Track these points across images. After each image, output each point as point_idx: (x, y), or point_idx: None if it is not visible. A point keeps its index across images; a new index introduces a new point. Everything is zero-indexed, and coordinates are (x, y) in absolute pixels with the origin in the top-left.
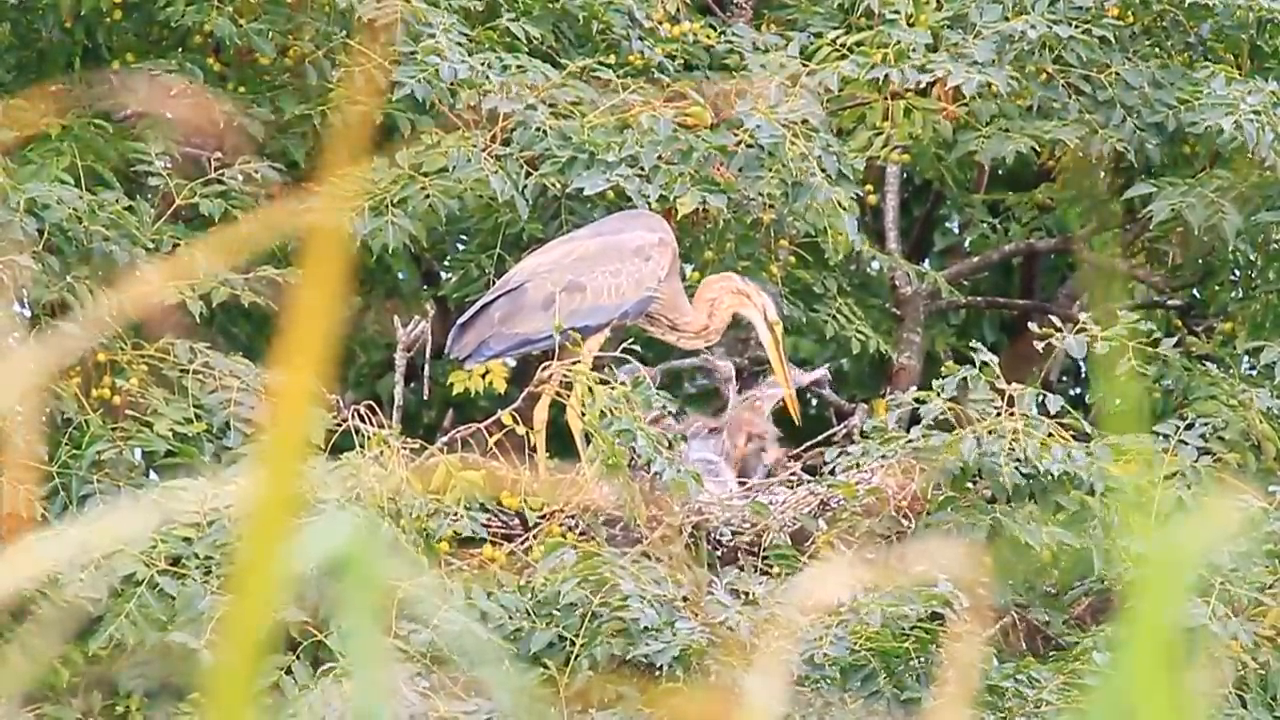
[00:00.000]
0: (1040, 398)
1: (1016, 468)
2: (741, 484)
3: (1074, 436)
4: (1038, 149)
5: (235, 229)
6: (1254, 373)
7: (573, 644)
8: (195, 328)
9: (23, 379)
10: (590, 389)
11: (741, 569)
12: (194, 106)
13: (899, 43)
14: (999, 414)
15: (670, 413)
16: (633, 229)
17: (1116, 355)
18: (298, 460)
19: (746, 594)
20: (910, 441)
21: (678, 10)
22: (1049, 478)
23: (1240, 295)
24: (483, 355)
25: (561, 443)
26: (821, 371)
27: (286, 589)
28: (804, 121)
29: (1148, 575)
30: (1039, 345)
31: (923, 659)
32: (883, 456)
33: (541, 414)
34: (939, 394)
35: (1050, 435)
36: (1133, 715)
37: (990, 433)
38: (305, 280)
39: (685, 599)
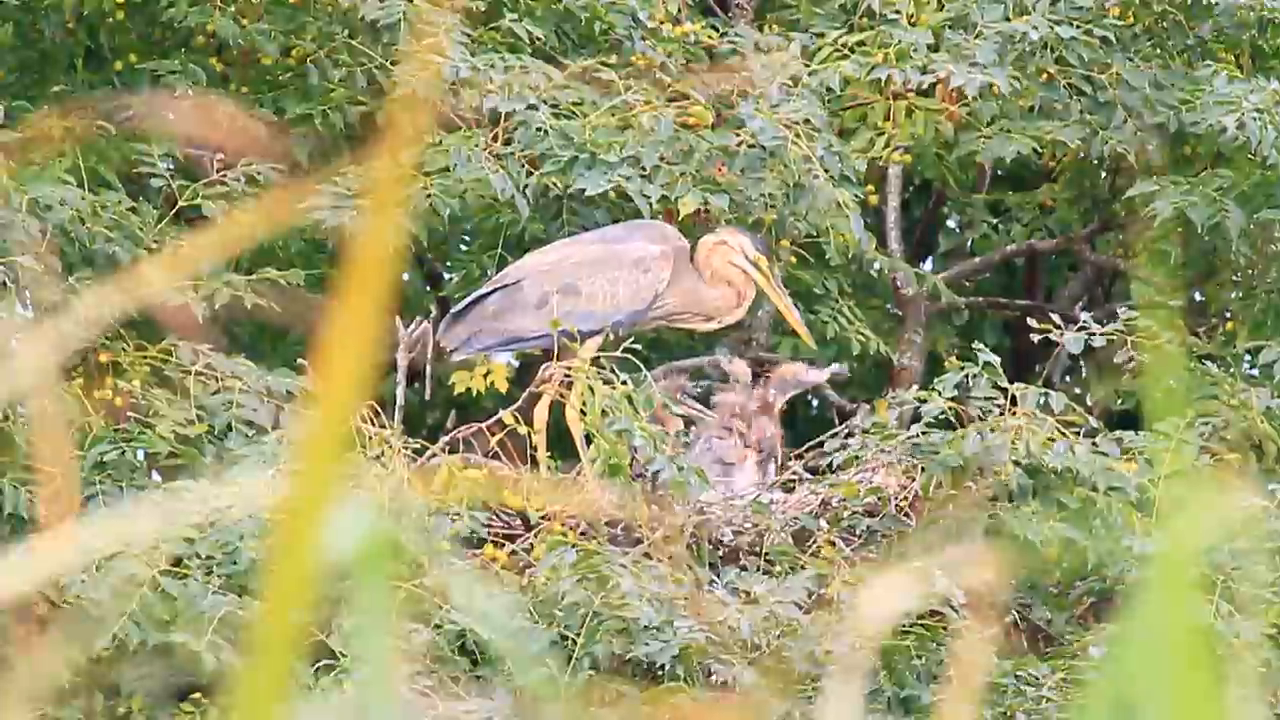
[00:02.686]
0: (1043, 395)
1: (1018, 463)
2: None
3: (1077, 433)
4: (1039, 149)
5: (235, 224)
6: (1255, 373)
7: (574, 643)
8: (198, 329)
9: (25, 380)
10: (591, 389)
11: (743, 569)
12: (196, 108)
13: (900, 43)
14: (1002, 412)
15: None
16: (635, 239)
17: (1175, 352)
18: (335, 473)
19: (747, 593)
20: (910, 438)
21: (679, 11)
22: (1051, 474)
23: (1241, 295)
24: (472, 348)
25: (566, 443)
26: (837, 367)
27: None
28: (806, 122)
29: (1155, 570)
30: (1038, 340)
31: (923, 657)
32: (882, 451)
33: (541, 414)
34: (940, 392)
35: (1052, 436)
36: (1136, 710)
37: (993, 429)
38: (347, 287)
39: (685, 598)
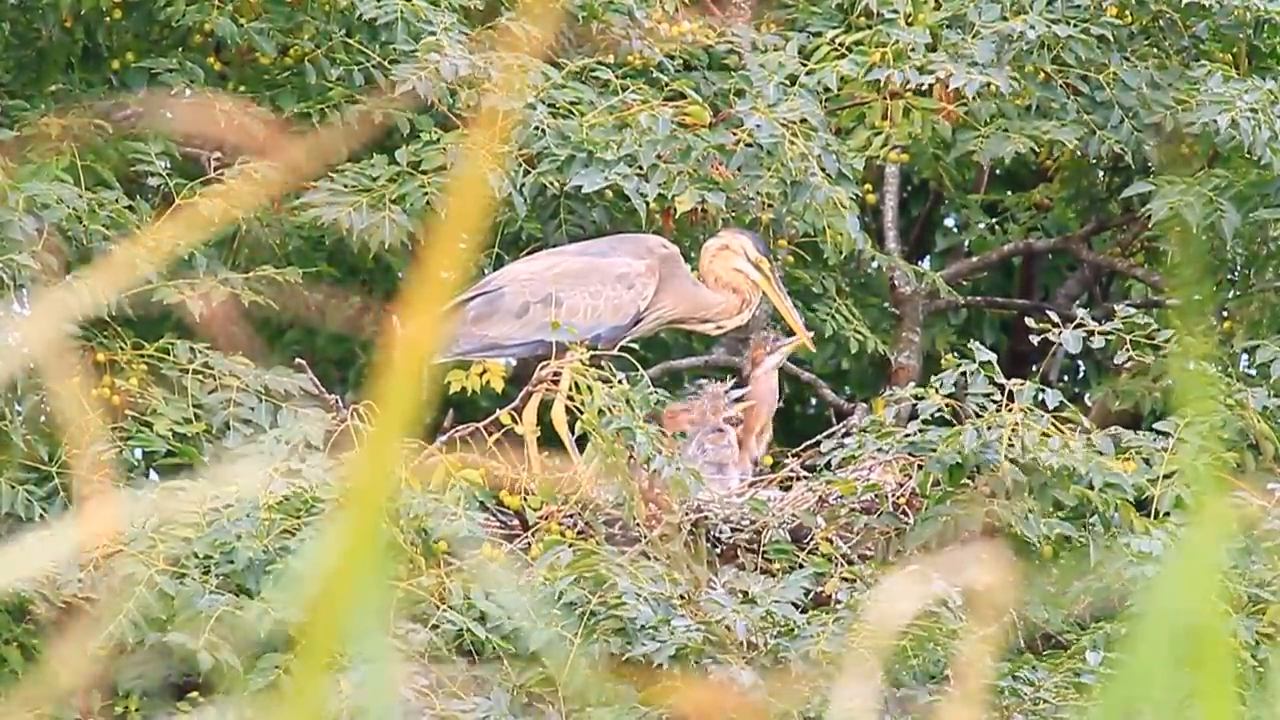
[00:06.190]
0: (1039, 392)
1: (1014, 460)
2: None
3: (1073, 428)
4: (1036, 149)
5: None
6: (1252, 372)
7: (571, 643)
8: (196, 327)
9: (22, 378)
10: (589, 388)
11: (742, 567)
12: (194, 107)
13: (898, 42)
14: (999, 409)
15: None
16: (620, 254)
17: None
18: (415, 384)
19: (744, 592)
20: (907, 436)
21: (676, 10)
22: (1048, 472)
23: (1238, 294)
24: (450, 352)
25: (562, 442)
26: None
27: (290, 586)
28: (803, 121)
29: (1169, 573)
30: (1036, 341)
31: (920, 657)
32: (879, 450)
33: (530, 415)
34: (937, 390)
35: (1048, 432)
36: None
37: (989, 426)
38: (449, 216)
39: (682, 597)
